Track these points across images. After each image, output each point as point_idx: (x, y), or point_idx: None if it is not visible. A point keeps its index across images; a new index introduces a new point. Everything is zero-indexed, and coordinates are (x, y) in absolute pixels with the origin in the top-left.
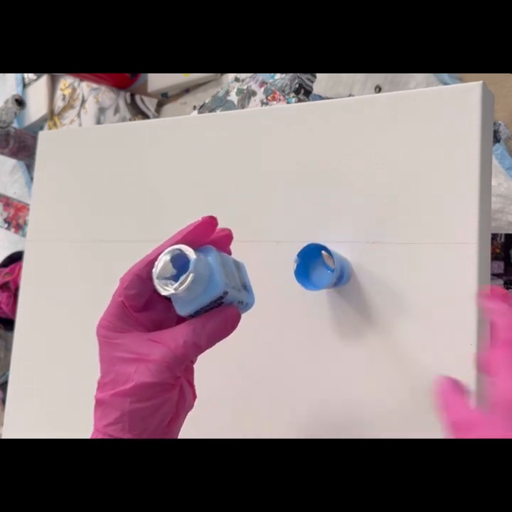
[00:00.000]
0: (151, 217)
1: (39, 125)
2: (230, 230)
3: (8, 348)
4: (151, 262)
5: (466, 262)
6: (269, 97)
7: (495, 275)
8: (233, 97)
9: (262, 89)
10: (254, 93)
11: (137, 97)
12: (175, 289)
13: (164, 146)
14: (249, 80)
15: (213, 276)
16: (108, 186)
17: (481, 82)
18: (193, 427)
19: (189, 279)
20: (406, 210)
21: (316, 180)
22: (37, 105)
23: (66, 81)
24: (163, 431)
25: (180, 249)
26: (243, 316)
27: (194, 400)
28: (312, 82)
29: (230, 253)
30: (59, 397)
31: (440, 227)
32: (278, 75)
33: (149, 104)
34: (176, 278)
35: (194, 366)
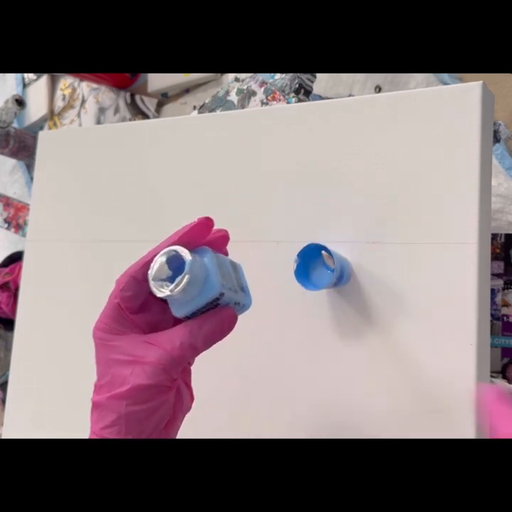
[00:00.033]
0: (151, 217)
1: (39, 125)
2: (226, 231)
3: (8, 348)
4: (146, 264)
5: (466, 262)
6: (269, 97)
7: (495, 275)
8: (233, 97)
9: (262, 89)
10: (254, 93)
11: (137, 97)
12: (170, 291)
13: (164, 146)
14: (249, 80)
15: (209, 277)
16: (108, 186)
17: (481, 82)
18: (192, 428)
19: (185, 280)
20: (406, 210)
21: (316, 180)
22: (37, 105)
23: (66, 81)
24: (160, 433)
25: (175, 251)
26: (243, 316)
27: (192, 402)
28: (312, 82)
29: (226, 254)
30: (59, 397)
31: (440, 227)
32: (278, 75)
33: (149, 104)
34: (171, 279)
35: (193, 367)
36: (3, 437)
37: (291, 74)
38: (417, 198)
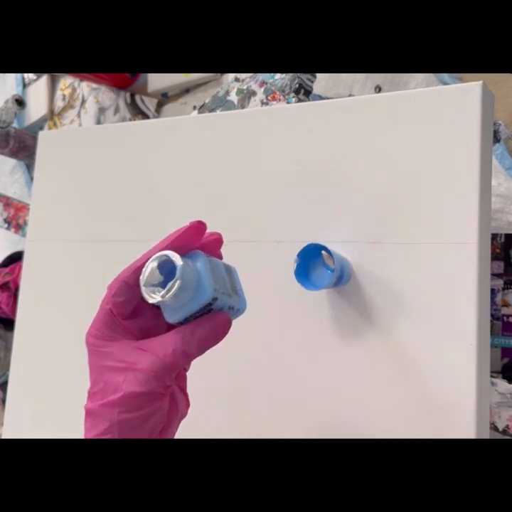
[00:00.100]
0: (151, 217)
1: (39, 125)
2: (219, 234)
3: (8, 348)
4: (138, 269)
5: (466, 262)
6: (269, 97)
7: (495, 275)
8: (233, 97)
9: (262, 89)
10: (254, 93)
11: (137, 97)
12: (162, 297)
13: (164, 146)
14: (249, 80)
15: (201, 282)
16: (108, 186)
17: (481, 82)
18: (192, 428)
19: (176, 286)
20: (406, 210)
21: (316, 180)
22: (37, 105)
23: (66, 81)
24: None
25: (167, 256)
26: (243, 316)
27: (187, 408)
28: (312, 82)
29: (220, 257)
30: (59, 397)
31: (440, 227)
32: (278, 75)
33: (149, 104)
34: (163, 285)
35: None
36: (3, 437)
37: (291, 74)
38: (417, 198)
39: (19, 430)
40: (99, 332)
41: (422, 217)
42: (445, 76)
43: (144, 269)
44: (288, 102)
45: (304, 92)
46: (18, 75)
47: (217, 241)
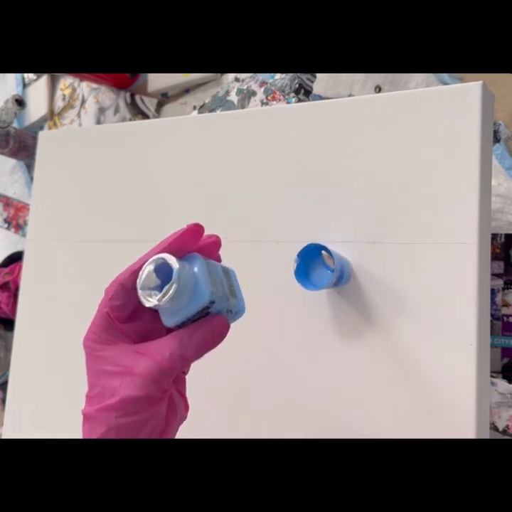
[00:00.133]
0: (151, 217)
1: (39, 125)
2: (217, 237)
3: (8, 348)
4: (135, 272)
5: (466, 262)
6: (269, 97)
7: (495, 275)
8: (233, 97)
9: (262, 89)
10: (254, 93)
11: (137, 97)
12: (158, 300)
13: (164, 146)
14: (249, 80)
15: (198, 285)
16: (108, 186)
17: (481, 82)
18: (192, 428)
19: (172, 289)
20: (406, 210)
21: (316, 180)
22: (37, 105)
23: (66, 81)
24: None
25: (163, 259)
26: (243, 316)
27: (186, 411)
28: (312, 82)
29: (219, 260)
30: (59, 397)
31: (440, 227)
32: (278, 75)
33: (149, 104)
34: (160, 288)
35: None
36: (3, 437)
37: (291, 74)
38: (417, 198)
39: (19, 430)
40: (96, 336)
41: (421, 217)
42: (445, 76)
43: (140, 273)
44: (288, 102)
45: (304, 92)
46: (18, 75)
47: (215, 244)
